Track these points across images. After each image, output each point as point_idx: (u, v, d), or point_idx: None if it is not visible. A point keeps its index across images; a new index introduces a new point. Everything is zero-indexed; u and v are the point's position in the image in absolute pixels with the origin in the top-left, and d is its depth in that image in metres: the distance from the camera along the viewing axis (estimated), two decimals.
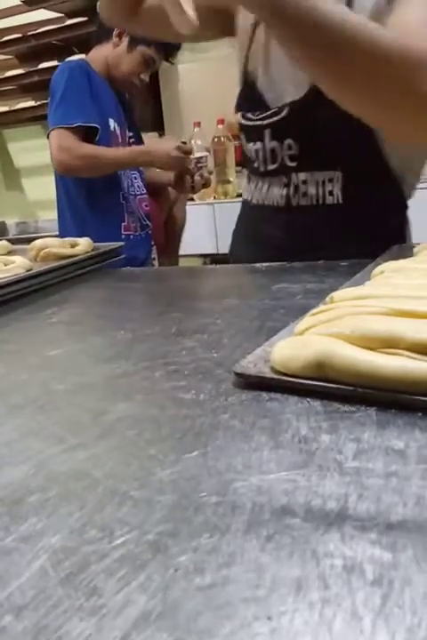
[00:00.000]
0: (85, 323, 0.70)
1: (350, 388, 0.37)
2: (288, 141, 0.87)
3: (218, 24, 0.94)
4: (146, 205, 1.80)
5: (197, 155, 1.77)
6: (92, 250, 1.00)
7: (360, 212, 0.88)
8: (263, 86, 0.89)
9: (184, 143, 1.64)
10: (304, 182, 0.88)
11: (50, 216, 2.63)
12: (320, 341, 0.39)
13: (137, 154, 1.66)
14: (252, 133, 0.93)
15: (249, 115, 0.92)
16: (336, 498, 0.27)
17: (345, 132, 0.81)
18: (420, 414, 0.34)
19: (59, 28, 2.77)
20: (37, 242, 0.98)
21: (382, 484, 0.28)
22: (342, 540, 0.24)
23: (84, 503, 0.29)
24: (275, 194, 0.92)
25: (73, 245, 1.01)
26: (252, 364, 0.42)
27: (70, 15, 2.73)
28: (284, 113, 0.86)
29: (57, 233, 1.70)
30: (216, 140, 2.57)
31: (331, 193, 0.88)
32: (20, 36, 2.91)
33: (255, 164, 0.94)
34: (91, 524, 0.27)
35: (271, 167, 0.91)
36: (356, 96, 0.65)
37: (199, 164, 1.72)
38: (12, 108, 3.16)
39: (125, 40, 1.64)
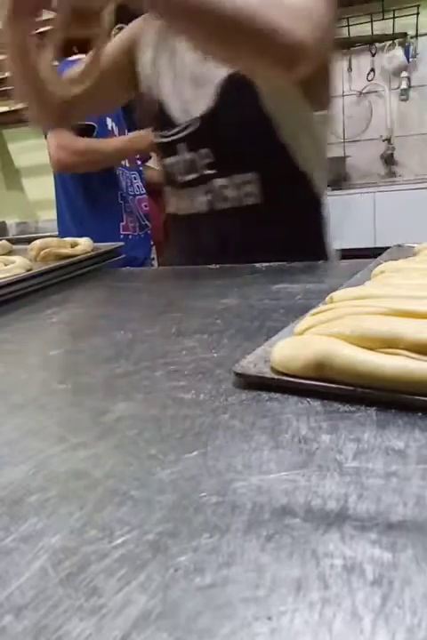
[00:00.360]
0: (85, 323, 0.70)
1: (350, 388, 0.37)
2: (204, 151, 0.91)
3: (124, 83, 1.02)
4: (145, 205, 1.80)
5: None
6: (92, 250, 1.00)
7: (279, 211, 0.91)
8: (173, 107, 0.94)
9: None
10: (224, 187, 0.92)
11: (50, 216, 2.63)
12: (320, 341, 0.39)
13: (133, 139, 1.65)
14: (168, 149, 0.97)
15: (164, 132, 0.96)
16: (336, 498, 0.27)
17: (254, 135, 0.87)
18: (420, 414, 0.34)
19: None
20: (37, 242, 0.98)
21: (382, 484, 0.28)
22: (342, 539, 0.24)
23: (84, 503, 0.29)
24: (198, 202, 0.96)
25: (73, 245, 1.01)
26: (252, 364, 0.42)
27: None
28: (196, 126, 0.90)
29: (57, 233, 1.70)
30: None
31: (249, 194, 0.91)
32: None
33: (174, 177, 0.97)
34: (91, 524, 0.27)
35: (191, 177, 0.94)
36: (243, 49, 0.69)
37: None
38: (12, 108, 3.16)
39: None
